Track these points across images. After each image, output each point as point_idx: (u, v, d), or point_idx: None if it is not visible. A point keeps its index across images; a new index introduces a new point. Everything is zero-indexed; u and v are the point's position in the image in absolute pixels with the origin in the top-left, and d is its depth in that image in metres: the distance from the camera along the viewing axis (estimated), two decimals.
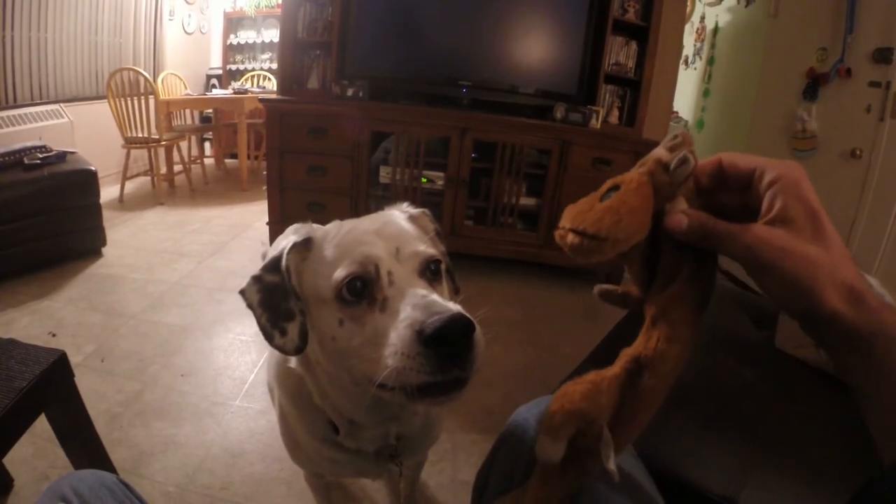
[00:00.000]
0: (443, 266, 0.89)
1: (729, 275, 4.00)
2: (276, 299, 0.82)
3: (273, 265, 0.84)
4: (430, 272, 0.84)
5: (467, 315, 0.71)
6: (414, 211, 1.00)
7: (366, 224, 0.87)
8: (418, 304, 0.72)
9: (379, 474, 1.20)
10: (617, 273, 3.58)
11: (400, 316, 0.72)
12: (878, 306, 0.46)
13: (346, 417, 0.96)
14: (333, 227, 0.89)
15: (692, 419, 1.21)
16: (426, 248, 0.85)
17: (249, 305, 0.84)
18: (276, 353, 0.96)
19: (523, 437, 0.86)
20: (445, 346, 0.68)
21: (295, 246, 0.85)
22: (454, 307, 0.71)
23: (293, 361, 0.95)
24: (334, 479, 1.50)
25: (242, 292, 0.84)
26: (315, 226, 0.92)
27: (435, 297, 0.75)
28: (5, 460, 1.53)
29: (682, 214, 0.54)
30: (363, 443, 1.00)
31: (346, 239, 0.83)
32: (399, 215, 0.95)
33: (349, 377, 0.83)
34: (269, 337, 0.81)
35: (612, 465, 0.52)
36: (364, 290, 0.77)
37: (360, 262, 0.78)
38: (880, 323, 0.45)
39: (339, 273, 0.78)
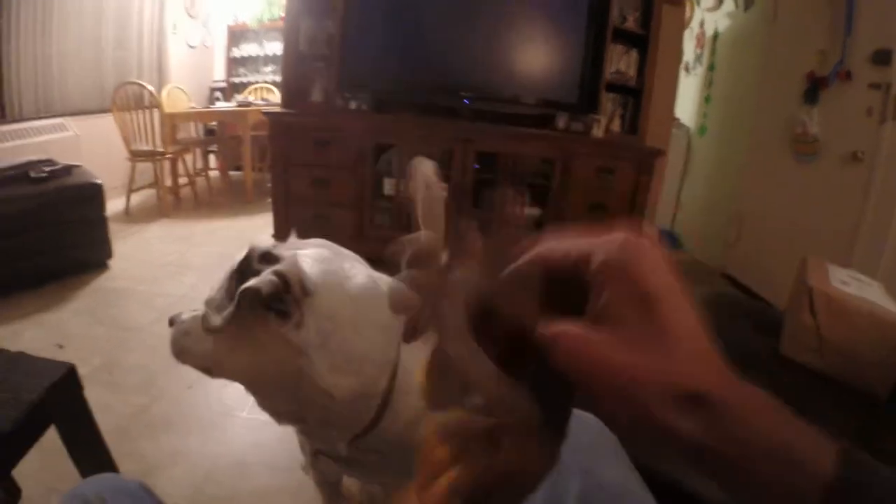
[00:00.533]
0: None
1: (733, 280, 4.01)
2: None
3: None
4: None
5: None
6: None
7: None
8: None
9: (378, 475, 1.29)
10: None
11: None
12: (739, 413, 0.35)
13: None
14: None
15: None
16: None
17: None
18: None
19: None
20: None
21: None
22: None
23: None
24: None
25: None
26: None
27: None
28: (13, 472, 1.54)
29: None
30: (307, 443, 1.16)
31: None
32: None
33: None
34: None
35: None
36: None
37: None
38: (732, 438, 0.35)
39: None
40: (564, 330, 0.37)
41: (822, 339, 1.45)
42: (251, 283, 0.81)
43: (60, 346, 2.63)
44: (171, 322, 1.06)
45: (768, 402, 0.37)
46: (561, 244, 0.41)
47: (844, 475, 0.34)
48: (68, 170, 3.56)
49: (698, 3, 4.88)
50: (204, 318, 0.83)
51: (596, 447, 0.79)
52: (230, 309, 0.82)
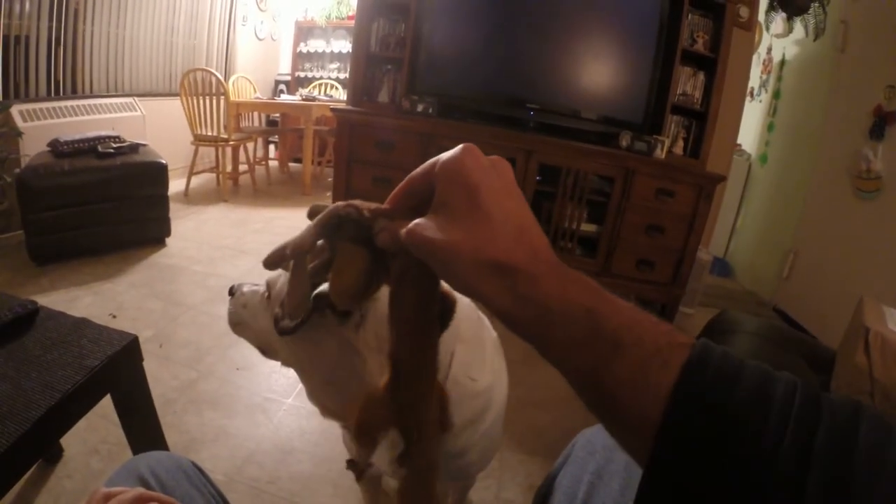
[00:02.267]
0: None
1: (783, 315, 3.92)
2: None
3: None
4: None
5: None
6: None
7: None
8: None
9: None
10: (672, 311, 3.53)
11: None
12: (534, 276, 0.42)
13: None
14: None
15: None
16: None
17: None
18: None
19: (587, 454, 0.86)
20: None
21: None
22: None
23: None
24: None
25: None
26: None
27: None
28: None
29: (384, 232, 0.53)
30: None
31: None
32: None
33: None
34: None
35: None
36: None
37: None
38: (531, 299, 0.42)
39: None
40: (411, 224, 0.47)
41: (875, 382, 1.41)
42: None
43: (113, 316, 2.70)
44: (231, 292, 1.06)
45: (579, 277, 0.44)
46: (419, 170, 0.51)
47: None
48: (135, 147, 3.65)
49: (767, 29, 4.79)
50: (276, 319, 0.83)
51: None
52: (306, 314, 0.81)
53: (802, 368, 1.70)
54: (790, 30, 4.48)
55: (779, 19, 4.51)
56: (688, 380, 0.37)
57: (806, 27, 4.21)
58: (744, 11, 3.58)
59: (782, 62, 4.59)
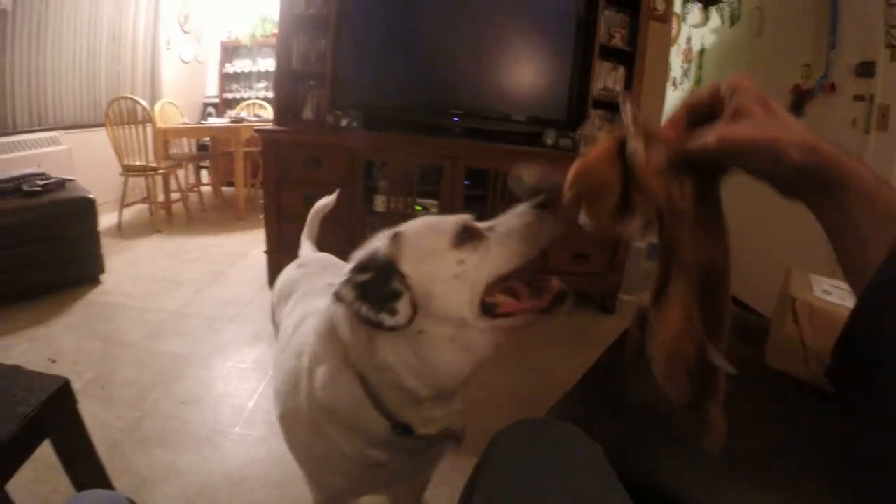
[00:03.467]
0: None
1: None
2: (375, 290, 0.87)
3: (365, 266, 0.91)
4: None
5: None
6: None
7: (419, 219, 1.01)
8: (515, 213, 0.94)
9: (412, 477, 1.30)
10: (611, 299, 3.62)
11: (509, 221, 0.94)
12: (834, 152, 0.57)
13: (429, 394, 0.96)
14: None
15: (675, 437, 1.23)
16: None
17: (347, 303, 0.88)
18: (322, 376, 1.01)
19: (504, 457, 0.88)
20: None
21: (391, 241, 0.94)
22: None
23: (368, 360, 0.95)
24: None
25: (337, 293, 0.89)
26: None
27: None
28: (7, 486, 1.54)
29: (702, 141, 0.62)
30: (434, 426, 1.03)
31: (423, 225, 0.98)
32: None
33: (450, 328, 0.89)
34: (377, 324, 0.85)
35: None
36: (469, 232, 0.92)
37: (459, 220, 0.94)
38: (836, 162, 0.57)
39: (451, 227, 0.93)
40: (721, 130, 0.60)
41: (806, 349, 1.47)
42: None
43: (53, 361, 2.64)
44: None
45: (857, 158, 0.59)
46: (701, 91, 0.65)
47: None
48: (61, 184, 3.57)
49: (685, 20, 4.94)
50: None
51: (579, 460, 0.81)
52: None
53: (735, 342, 1.75)
54: (707, 19, 4.62)
55: (695, 9, 4.66)
56: None
57: (722, 15, 4.36)
58: (660, 4, 3.69)
59: (702, 51, 4.73)
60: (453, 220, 0.94)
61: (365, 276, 0.89)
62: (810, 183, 0.59)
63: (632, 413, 1.32)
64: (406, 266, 0.90)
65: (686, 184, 0.63)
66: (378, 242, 0.94)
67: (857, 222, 0.57)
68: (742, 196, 3.27)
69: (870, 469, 1.07)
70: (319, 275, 1.59)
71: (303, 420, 1.10)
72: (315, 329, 1.06)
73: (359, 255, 0.96)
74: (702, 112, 0.64)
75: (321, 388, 1.02)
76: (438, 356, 0.90)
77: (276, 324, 1.61)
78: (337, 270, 1.61)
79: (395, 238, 0.93)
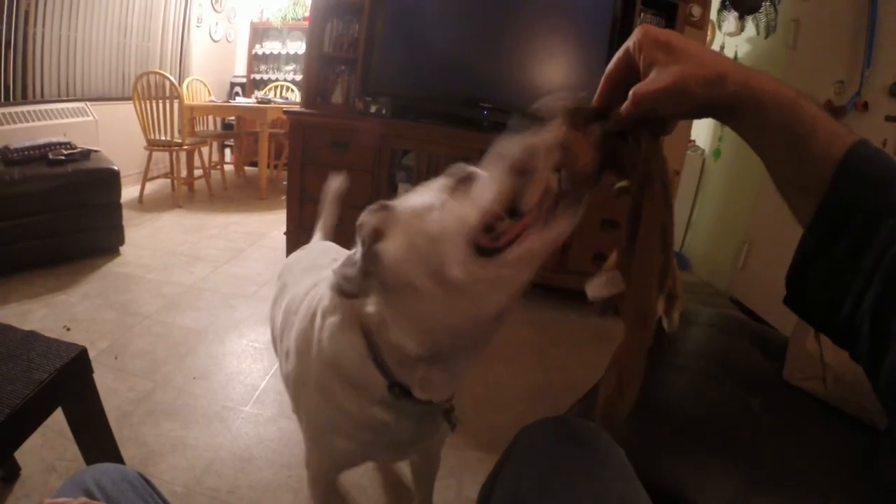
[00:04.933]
0: None
1: (740, 305, 4.00)
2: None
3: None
4: None
5: None
6: None
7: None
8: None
9: (414, 446, 1.21)
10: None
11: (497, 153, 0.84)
12: (742, 77, 0.58)
13: (420, 352, 0.90)
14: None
15: (697, 445, 1.22)
16: None
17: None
18: (329, 328, 1.01)
19: (529, 452, 0.86)
20: None
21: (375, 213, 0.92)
22: None
23: (372, 307, 0.92)
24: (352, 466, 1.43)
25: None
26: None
27: None
28: None
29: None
30: (432, 392, 0.98)
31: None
32: None
33: (460, 253, 0.78)
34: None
35: None
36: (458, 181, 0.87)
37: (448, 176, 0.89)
38: (745, 84, 0.58)
39: (438, 187, 0.88)
40: (632, 90, 0.64)
41: (826, 367, 1.45)
42: None
43: (67, 329, 2.65)
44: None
45: (773, 77, 0.60)
46: (611, 63, 0.69)
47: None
48: (86, 154, 3.58)
49: (720, 28, 4.88)
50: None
51: (604, 460, 0.79)
52: None
53: (755, 356, 1.74)
54: (742, 28, 4.57)
55: (731, 18, 4.60)
56: (863, 143, 0.55)
57: (757, 26, 4.30)
58: (696, 11, 3.64)
59: (735, 59, 4.67)
60: (444, 179, 0.87)
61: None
62: (724, 110, 0.61)
63: (651, 416, 1.31)
64: (392, 233, 0.87)
65: (641, 145, 0.70)
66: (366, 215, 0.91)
67: (785, 141, 0.59)
68: (762, 211, 3.25)
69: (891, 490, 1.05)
70: (324, 254, 1.60)
71: (309, 380, 1.11)
72: (328, 287, 1.03)
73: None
74: (625, 76, 0.67)
75: (327, 340, 1.02)
76: (430, 311, 0.83)
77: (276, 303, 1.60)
78: (342, 255, 1.62)
79: (383, 209, 0.90)
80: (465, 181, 0.83)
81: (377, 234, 0.88)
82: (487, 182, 0.80)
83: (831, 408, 1.44)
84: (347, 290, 0.88)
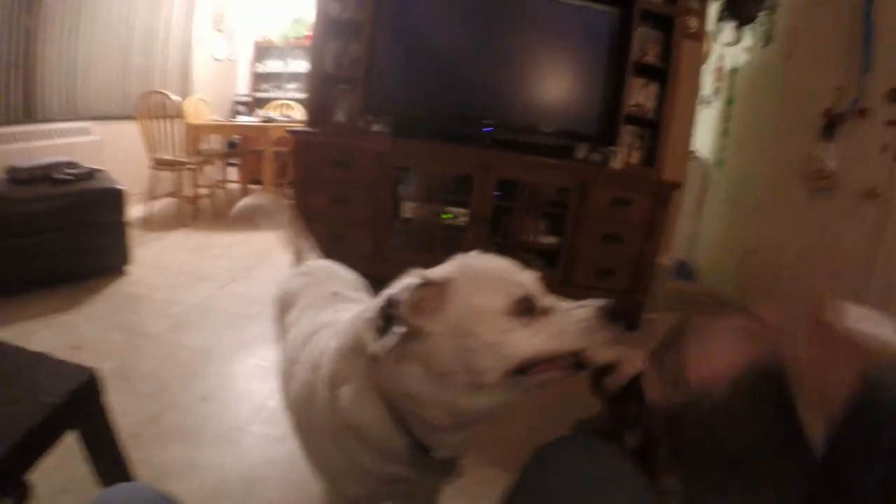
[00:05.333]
0: None
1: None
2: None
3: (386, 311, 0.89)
4: None
5: None
6: None
7: (482, 261, 1.00)
8: (582, 304, 0.92)
9: (422, 490, 1.34)
10: (635, 318, 3.58)
11: (571, 312, 0.91)
12: None
13: (449, 424, 0.97)
14: (449, 268, 0.98)
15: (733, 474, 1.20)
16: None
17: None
18: (347, 395, 1.01)
19: (547, 471, 0.86)
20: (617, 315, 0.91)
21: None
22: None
23: (404, 387, 0.95)
24: None
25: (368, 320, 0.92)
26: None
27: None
28: None
29: None
30: (450, 450, 1.05)
31: (485, 273, 0.96)
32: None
33: (471, 377, 0.88)
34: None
35: None
36: (528, 307, 0.90)
37: (526, 285, 0.93)
38: None
39: (514, 292, 0.90)
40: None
41: None
42: None
43: (74, 349, 2.65)
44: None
45: None
46: None
47: None
48: (91, 174, 3.61)
49: (715, 39, 4.91)
50: None
51: (623, 483, 0.79)
52: None
53: None
54: (740, 38, 4.59)
55: (728, 29, 4.62)
56: None
57: (755, 35, 4.32)
58: (693, 23, 3.66)
59: (733, 70, 4.70)
60: (518, 285, 0.92)
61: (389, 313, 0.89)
62: None
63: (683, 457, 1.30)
64: (446, 312, 0.90)
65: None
66: (406, 287, 0.90)
67: None
68: (767, 219, 3.25)
69: None
70: (323, 284, 1.59)
71: (322, 433, 1.12)
72: (338, 346, 1.06)
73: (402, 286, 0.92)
74: None
75: (348, 408, 1.02)
76: (460, 398, 0.91)
77: (278, 331, 1.63)
78: (341, 280, 1.61)
79: (445, 284, 0.92)
80: (532, 310, 0.90)
81: (417, 310, 0.89)
82: (548, 330, 0.89)
83: None
84: (381, 356, 0.89)
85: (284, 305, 1.61)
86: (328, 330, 1.19)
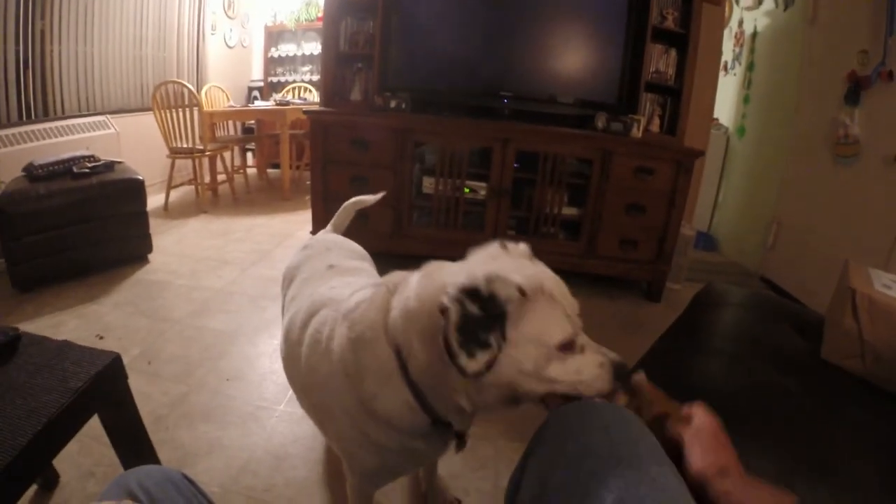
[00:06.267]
0: None
1: (771, 284, 3.95)
2: (474, 328, 0.86)
3: (481, 298, 0.87)
4: None
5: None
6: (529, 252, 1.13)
7: (548, 277, 0.99)
8: (601, 351, 0.97)
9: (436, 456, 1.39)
10: (657, 287, 3.55)
11: (596, 357, 0.96)
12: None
13: (474, 410, 1.01)
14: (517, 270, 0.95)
15: (734, 430, 1.19)
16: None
17: (447, 321, 0.87)
18: (356, 384, 1.05)
19: (559, 435, 0.85)
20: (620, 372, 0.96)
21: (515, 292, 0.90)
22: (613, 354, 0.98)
23: (432, 378, 0.98)
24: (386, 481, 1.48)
25: (445, 311, 0.87)
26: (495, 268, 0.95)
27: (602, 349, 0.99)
28: None
29: None
30: (468, 424, 1.13)
31: (558, 295, 0.96)
32: (528, 256, 1.09)
33: (510, 393, 0.94)
34: (453, 356, 0.86)
35: None
36: (573, 343, 0.95)
37: (573, 328, 0.95)
38: None
39: (565, 334, 0.93)
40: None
41: (864, 344, 1.42)
42: None
43: (100, 337, 2.68)
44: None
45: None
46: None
47: None
48: (110, 166, 3.62)
49: (737, 2, 4.82)
50: None
51: (637, 442, 0.77)
52: None
53: (790, 336, 1.70)
54: (760, 2, 4.50)
55: None
56: None
57: None
58: None
59: (754, 34, 4.61)
60: (573, 323, 0.96)
61: (475, 311, 0.86)
62: None
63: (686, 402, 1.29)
64: (512, 329, 0.89)
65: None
66: (508, 283, 0.89)
67: None
68: (790, 189, 3.21)
69: None
70: (321, 256, 1.59)
71: (340, 417, 1.12)
72: (356, 336, 1.06)
73: (481, 272, 0.91)
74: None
75: (377, 400, 1.04)
76: (488, 398, 0.95)
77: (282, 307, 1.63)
78: (341, 251, 1.61)
79: (525, 298, 0.90)
80: (573, 347, 0.95)
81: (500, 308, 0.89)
82: (579, 369, 0.95)
83: (871, 386, 1.40)
84: (455, 351, 0.87)
85: (286, 281, 1.62)
86: (328, 310, 1.19)
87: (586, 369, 0.94)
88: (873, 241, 3.04)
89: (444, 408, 1.02)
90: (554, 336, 0.92)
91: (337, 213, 2.05)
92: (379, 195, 2.11)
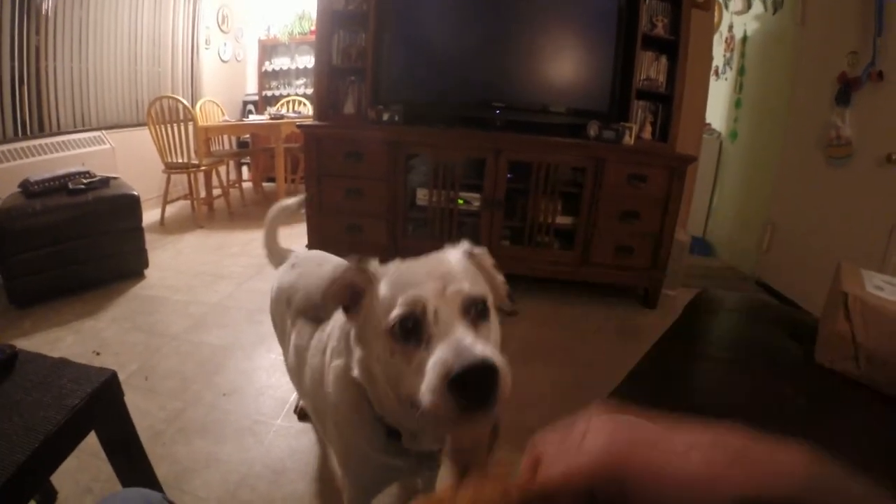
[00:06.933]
0: (490, 304, 0.92)
1: (766, 287, 3.96)
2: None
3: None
4: (474, 311, 0.87)
5: (491, 359, 0.76)
6: (474, 250, 1.05)
7: (419, 264, 0.94)
8: (450, 346, 0.78)
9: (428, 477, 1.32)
10: (653, 294, 3.56)
11: (434, 356, 0.78)
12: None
13: (404, 426, 1.01)
14: (393, 265, 0.96)
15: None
16: (471, 287, 0.88)
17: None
18: (333, 371, 1.07)
19: None
20: (468, 389, 0.74)
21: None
22: (481, 351, 0.76)
23: (356, 371, 0.98)
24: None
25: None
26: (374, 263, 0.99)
27: (469, 339, 0.79)
28: None
29: None
30: (424, 445, 1.05)
31: (399, 279, 0.90)
32: (454, 254, 1.01)
33: (396, 396, 0.89)
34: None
35: None
36: (414, 328, 0.83)
37: (409, 304, 0.84)
38: None
39: (393, 313, 0.84)
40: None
41: (858, 346, 1.42)
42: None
43: (97, 353, 2.68)
44: None
45: None
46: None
47: None
48: (106, 181, 3.63)
49: (727, 7, 4.85)
50: None
51: None
52: None
53: (785, 340, 1.71)
54: (749, 6, 4.53)
55: None
56: None
57: (765, 2, 4.27)
58: None
59: (744, 38, 4.64)
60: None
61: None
62: None
63: (681, 407, 1.29)
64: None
65: None
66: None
67: None
68: (783, 192, 3.22)
69: None
70: (317, 272, 1.59)
71: (327, 415, 1.18)
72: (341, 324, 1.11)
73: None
74: None
75: (332, 384, 1.10)
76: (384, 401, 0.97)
77: (276, 326, 1.70)
78: (333, 264, 1.63)
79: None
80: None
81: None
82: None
83: (865, 388, 1.41)
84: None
85: (278, 302, 1.63)
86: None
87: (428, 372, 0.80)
88: (868, 241, 3.06)
89: (380, 407, 1.01)
90: (381, 321, 0.88)
91: (266, 228, 2.19)
92: (301, 197, 2.14)
